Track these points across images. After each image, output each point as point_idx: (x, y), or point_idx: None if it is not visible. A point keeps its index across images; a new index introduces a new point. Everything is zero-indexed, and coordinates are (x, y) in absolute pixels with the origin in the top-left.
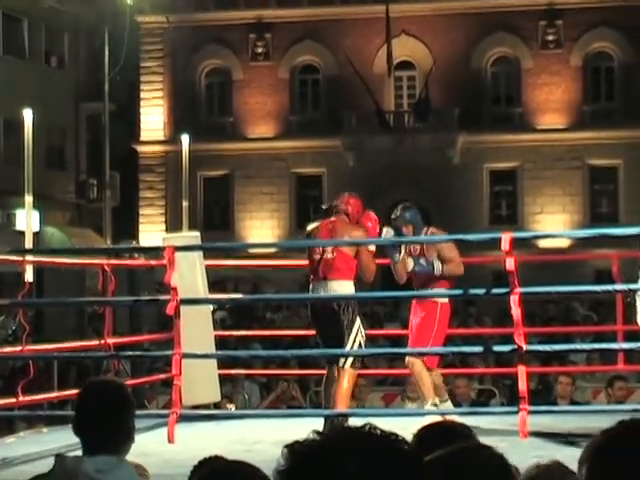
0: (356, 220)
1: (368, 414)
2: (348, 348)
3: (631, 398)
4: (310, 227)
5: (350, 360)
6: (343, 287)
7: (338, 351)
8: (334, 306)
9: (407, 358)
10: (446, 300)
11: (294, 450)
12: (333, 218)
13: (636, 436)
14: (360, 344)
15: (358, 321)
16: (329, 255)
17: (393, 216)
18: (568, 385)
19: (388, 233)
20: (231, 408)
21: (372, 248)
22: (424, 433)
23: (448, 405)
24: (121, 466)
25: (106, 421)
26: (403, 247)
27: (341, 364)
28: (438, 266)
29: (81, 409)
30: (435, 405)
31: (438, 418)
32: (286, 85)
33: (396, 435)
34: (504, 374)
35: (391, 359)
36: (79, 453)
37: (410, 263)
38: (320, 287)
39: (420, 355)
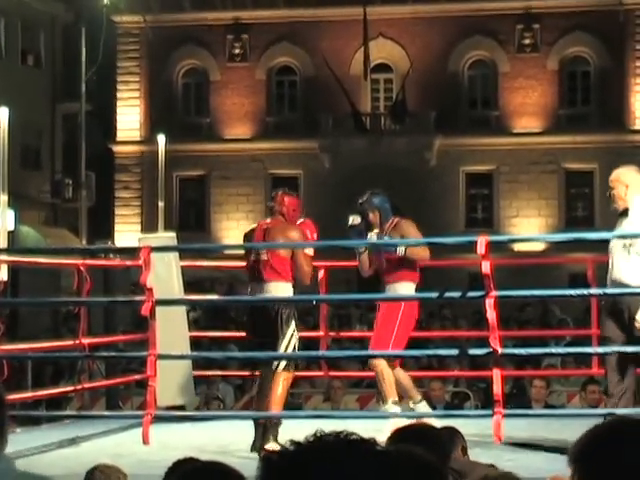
0: (292, 218)
1: (343, 416)
2: (281, 351)
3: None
4: (248, 229)
5: (283, 363)
6: (279, 289)
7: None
8: (270, 309)
9: (369, 361)
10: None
11: (269, 460)
12: (269, 219)
13: (622, 434)
14: (295, 347)
15: (293, 324)
16: (264, 257)
17: (360, 200)
18: (542, 389)
19: (355, 220)
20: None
21: (309, 251)
22: (398, 435)
23: (423, 406)
24: None
25: None
26: (370, 235)
27: (274, 367)
28: (402, 248)
29: None
30: (396, 403)
31: (404, 420)
32: (263, 86)
33: (370, 440)
34: (479, 377)
35: (364, 361)
36: (54, 453)
37: (373, 236)
38: (257, 289)
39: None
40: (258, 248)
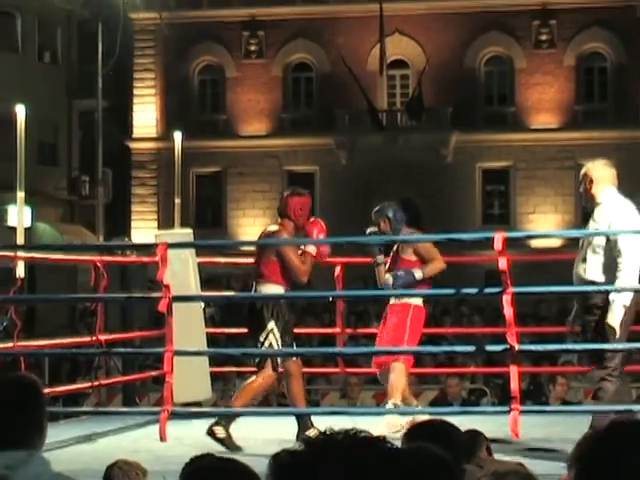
0: (299, 218)
1: (359, 412)
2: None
3: None
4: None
5: (263, 361)
6: (265, 290)
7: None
8: (257, 308)
9: (392, 363)
10: (420, 302)
11: (280, 459)
12: (277, 224)
13: (624, 436)
14: (271, 347)
15: (271, 324)
16: (257, 259)
17: (375, 209)
18: (565, 385)
19: (379, 259)
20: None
21: (311, 250)
22: (413, 431)
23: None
24: (32, 461)
25: (14, 418)
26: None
27: (255, 363)
28: (418, 273)
29: None
30: (395, 405)
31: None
32: (279, 83)
33: (379, 437)
34: (495, 373)
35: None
36: (71, 449)
37: (389, 279)
38: (254, 290)
39: (401, 356)
40: (273, 245)
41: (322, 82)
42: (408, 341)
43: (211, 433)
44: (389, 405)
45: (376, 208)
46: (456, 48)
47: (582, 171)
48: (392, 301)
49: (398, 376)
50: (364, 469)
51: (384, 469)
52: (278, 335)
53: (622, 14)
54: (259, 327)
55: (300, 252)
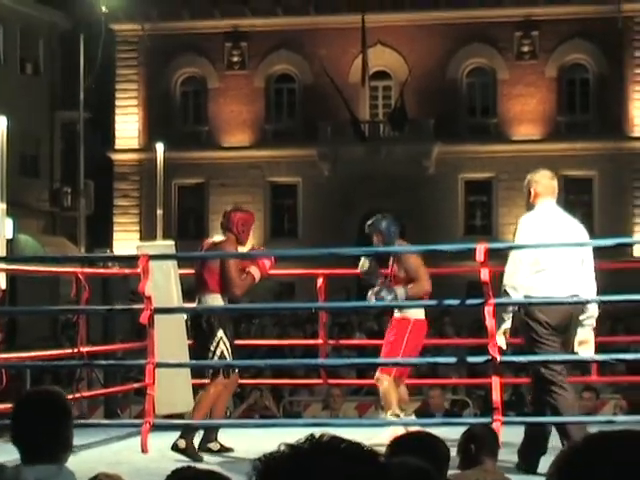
0: (241, 233)
1: (342, 424)
2: (210, 358)
3: (603, 410)
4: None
5: (214, 371)
6: (208, 300)
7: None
8: (201, 320)
9: (376, 374)
10: (421, 316)
11: (264, 463)
12: (219, 237)
13: (603, 449)
14: (223, 355)
15: (220, 333)
16: (199, 270)
17: (368, 222)
18: None
19: (364, 266)
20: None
21: (254, 273)
22: (397, 443)
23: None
24: (61, 474)
25: (44, 431)
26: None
27: (208, 374)
28: (401, 293)
29: (19, 419)
30: (396, 415)
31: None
32: (262, 94)
33: (364, 446)
34: (477, 385)
35: (363, 369)
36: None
37: (372, 299)
38: (197, 301)
39: (389, 367)
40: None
41: (304, 93)
42: (404, 355)
43: (175, 447)
44: (388, 417)
45: (369, 221)
46: (438, 59)
47: (525, 181)
48: (395, 314)
49: (385, 388)
50: (348, 476)
51: (367, 476)
52: (228, 343)
53: (604, 25)
54: (208, 337)
55: (245, 272)
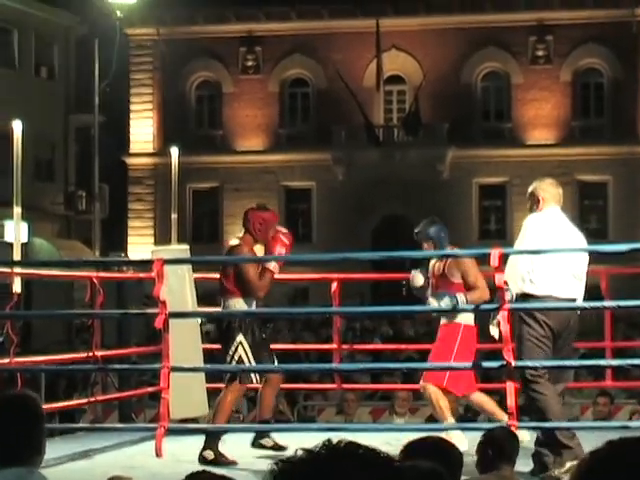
0: (259, 233)
1: (356, 429)
2: (228, 363)
3: (617, 415)
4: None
5: (231, 376)
6: (229, 304)
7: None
8: (222, 324)
9: (420, 383)
10: (470, 321)
11: (281, 468)
12: (235, 241)
13: (624, 456)
14: (242, 360)
15: (240, 337)
16: (221, 275)
17: (416, 230)
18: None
19: (417, 281)
20: (239, 416)
21: (270, 267)
22: (410, 448)
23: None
24: (32, 478)
25: (14, 435)
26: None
27: (225, 380)
28: (462, 300)
29: None
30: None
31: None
32: (276, 98)
33: (379, 451)
34: (492, 390)
35: (375, 374)
36: (67, 465)
37: (433, 302)
38: (221, 305)
39: (438, 378)
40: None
41: (319, 98)
42: (456, 362)
43: (202, 459)
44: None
45: (417, 229)
46: (453, 64)
47: (529, 189)
48: (442, 321)
49: (432, 398)
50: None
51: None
52: (247, 348)
53: (618, 30)
54: (228, 341)
55: (260, 269)
